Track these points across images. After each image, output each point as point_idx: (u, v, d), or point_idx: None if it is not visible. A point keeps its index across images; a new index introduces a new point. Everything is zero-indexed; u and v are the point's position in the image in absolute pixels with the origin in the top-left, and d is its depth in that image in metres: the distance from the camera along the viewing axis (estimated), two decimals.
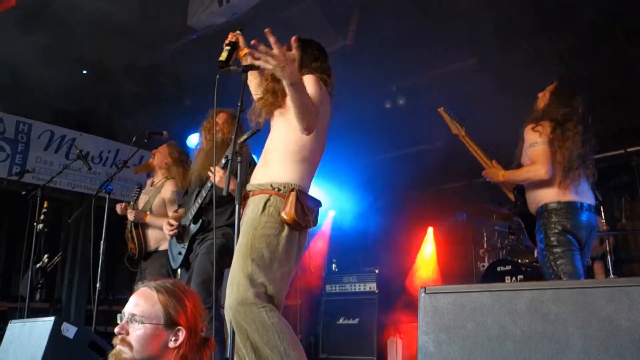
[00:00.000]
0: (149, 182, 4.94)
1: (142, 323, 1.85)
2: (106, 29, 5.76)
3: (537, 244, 3.63)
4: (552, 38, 5.79)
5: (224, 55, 2.80)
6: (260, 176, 2.74)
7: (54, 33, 5.50)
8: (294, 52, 2.39)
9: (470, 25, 5.68)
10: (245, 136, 2.96)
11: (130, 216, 4.56)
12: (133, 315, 1.86)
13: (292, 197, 2.57)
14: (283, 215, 2.56)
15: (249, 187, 2.77)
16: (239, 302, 2.44)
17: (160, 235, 4.49)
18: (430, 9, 5.44)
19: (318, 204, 2.76)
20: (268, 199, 2.61)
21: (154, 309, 1.87)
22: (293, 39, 2.46)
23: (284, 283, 2.58)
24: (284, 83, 2.39)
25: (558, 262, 3.36)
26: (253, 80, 3.15)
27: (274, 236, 2.56)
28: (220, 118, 4.01)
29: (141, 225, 4.61)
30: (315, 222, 2.73)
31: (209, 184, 3.68)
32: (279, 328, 2.43)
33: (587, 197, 3.54)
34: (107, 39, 5.90)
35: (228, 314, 2.52)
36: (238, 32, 3.06)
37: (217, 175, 3.34)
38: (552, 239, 3.40)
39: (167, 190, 4.63)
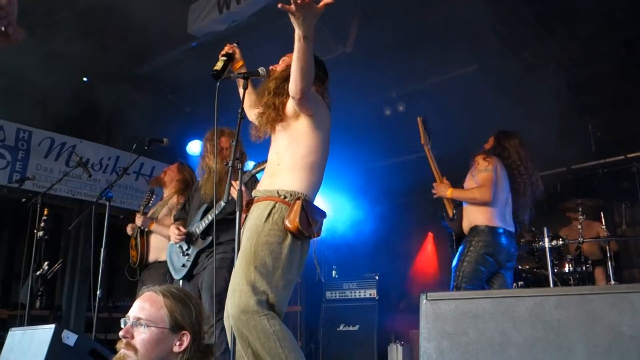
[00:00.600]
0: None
1: (148, 327, 1.83)
2: (106, 36, 5.78)
3: None
4: (552, 45, 5.81)
5: (219, 65, 2.81)
6: (268, 184, 2.74)
7: (55, 40, 5.52)
8: (320, 9, 2.35)
9: (470, 33, 5.69)
10: (252, 171, 2.97)
11: (138, 221, 4.60)
12: (139, 319, 1.85)
13: (297, 205, 2.56)
14: (287, 223, 2.55)
15: (254, 193, 2.77)
16: (240, 310, 2.43)
17: (162, 245, 4.51)
18: (430, 17, 5.45)
19: (323, 215, 2.75)
20: (273, 206, 2.60)
21: (159, 312, 1.86)
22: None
23: (285, 292, 2.57)
24: (296, 34, 2.39)
25: (463, 277, 3.84)
26: (247, 101, 3.09)
27: (277, 244, 2.54)
28: (225, 143, 4.01)
29: (146, 234, 4.64)
30: (318, 233, 2.70)
31: (222, 203, 3.63)
32: (281, 336, 2.42)
33: (510, 225, 4.08)
34: (108, 47, 5.92)
35: (229, 321, 2.51)
36: (235, 44, 3.06)
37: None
38: (472, 255, 3.88)
39: (174, 203, 4.67)
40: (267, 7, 5.14)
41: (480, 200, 4.01)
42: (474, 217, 4.06)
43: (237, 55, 3.05)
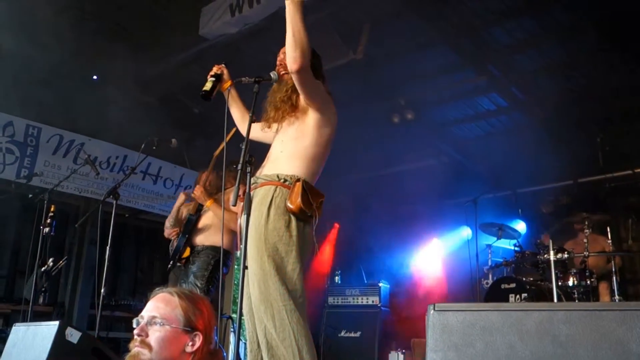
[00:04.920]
0: None
1: (163, 325, 1.87)
2: (117, 36, 5.80)
3: None
4: (561, 57, 5.80)
5: (208, 86, 2.88)
6: (268, 169, 2.81)
7: (66, 39, 5.54)
8: None
9: (479, 43, 5.70)
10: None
11: None
12: (154, 317, 1.89)
13: (297, 187, 2.64)
14: (288, 204, 2.61)
15: (254, 180, 2.81)
16: (259, 300, 2.50)
17: None
18: (440, 25, 5.45)
19: (321, 195, 2.80)
20: (274, 191, 2.67)
21: (174, 312, 1.90)
22: None
23: (301, 274, 2.62)
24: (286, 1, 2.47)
25: None
26: (237, 113, 3.23)
27: (285, 228, 2.61)
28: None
29: None
30: (319, 213, 2.75)
31: None
32: (297, 329, 2.48)
33: None
34: (119, 46, 5.95)
35: (245, 310, 2.60)
36: (223, 65, 3.11)
37: None
38: None
39: None
40: (279, 11, 5.15)
41: None
42: None
43: (225, 75, 3.11)
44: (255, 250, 2.59)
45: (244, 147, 2.59)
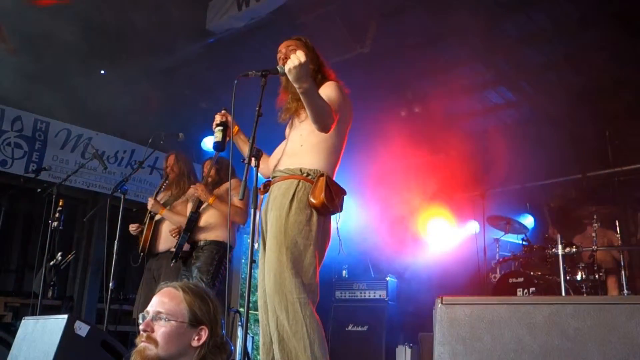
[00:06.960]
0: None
1: (168, 320, 1.88)
2: (125, 31, 5.81)
3: None
4: (571, 52, 5.76)
5: (219, 136, 2.92)
6: (289, 163, 2.82)
7: (74, 32, 5.55)
8: (303, 59, 2.46)
9: (487, 37, 5.66)
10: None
11: (149, 205, 4.67)
12: (159, 312, 1.90)
13: (321, 182, 2.67)
14: (311, 199, 2.64)
15: (274, 173, 2.85)
16: (275, 291, 2.53)
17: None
18: (448, 19, 5.42)
19: (343, 191, 2.84)
20: (297, 185, 2.70)
21: (179, 307, 1.91)
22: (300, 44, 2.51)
23: (317, 268, 2.66)
24: (298, 90, 2.52)
25: None
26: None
27: (306, 222, 2.64)
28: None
29: (156, 221, 4.72)
30: (340, 208, 2.80)
31: None
32: (309, 322, 2.51)
33: None
34: (126, 41, 5.95)
35: (260, 303, 2.64)
36: (224, 110, 3.12)
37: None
38: None
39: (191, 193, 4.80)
40: (286, 5, 5.15)
41: None
42: None
43: (230, 121, 3.10)
44: (275, 242, 2.61)
45: (250, 141, 2.60)
